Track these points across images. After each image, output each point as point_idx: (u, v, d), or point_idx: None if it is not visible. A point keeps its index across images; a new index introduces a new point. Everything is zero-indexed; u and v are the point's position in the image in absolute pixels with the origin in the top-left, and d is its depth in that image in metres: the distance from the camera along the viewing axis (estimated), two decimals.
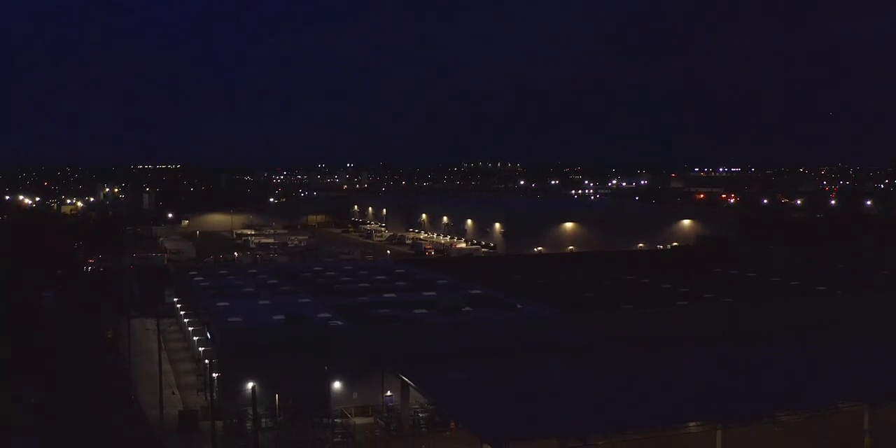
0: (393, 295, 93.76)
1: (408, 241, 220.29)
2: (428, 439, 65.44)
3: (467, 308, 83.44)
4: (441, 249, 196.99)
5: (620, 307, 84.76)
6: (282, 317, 77.91)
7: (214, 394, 66.11)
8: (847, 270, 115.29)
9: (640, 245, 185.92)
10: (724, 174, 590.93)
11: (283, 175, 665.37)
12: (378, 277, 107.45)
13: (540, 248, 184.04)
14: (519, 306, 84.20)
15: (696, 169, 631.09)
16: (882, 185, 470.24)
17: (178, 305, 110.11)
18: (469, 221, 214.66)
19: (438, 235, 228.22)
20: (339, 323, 76.61)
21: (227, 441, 64.58)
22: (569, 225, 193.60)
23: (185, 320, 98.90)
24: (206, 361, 75.88)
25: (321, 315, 79.81)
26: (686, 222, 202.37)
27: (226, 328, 74.64)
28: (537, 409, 56.65)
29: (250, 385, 66.35)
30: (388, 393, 70.12)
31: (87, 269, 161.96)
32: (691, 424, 58.19)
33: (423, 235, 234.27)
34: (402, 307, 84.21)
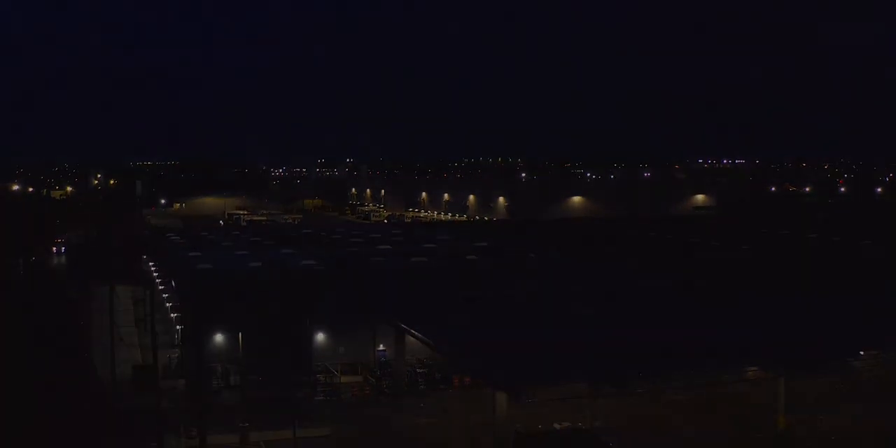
0: (388, 246, 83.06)
1: (407, 220, 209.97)
2: (427, 398, 55.01)
3: (472, 257, 73.12)
4: None
5: (651, 255, 74.31)
6: (259, 264, 67.60)
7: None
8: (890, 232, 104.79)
9: None
10: (728, 165, 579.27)
11: (283, 169, 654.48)
12: (373, 235, 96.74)
13: None
14: (531, 255, 73.60)
15: (700, 160, 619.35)
16: (888, 178, 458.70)
17: (153, 269, 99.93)
18: (471, 197, 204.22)
19: (439, 213, 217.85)
20: (324, 269, 66.20)
21: (189, 400, 54.41)
22: (577, 199, 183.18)
23: (157, 281, 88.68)
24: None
25: (305, 263, 69.32)
26: (700, 197, 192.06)
27: (192, 273, 64.31)
28: (563, 353, 46.23)
29: (218, 336, 57.05)
30: (381, 347, 59.89)
31: (57, 249, 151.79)
32: (750, 370, 47.81)
33: (422, 214, 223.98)
34: (398, 256, 73.53)
